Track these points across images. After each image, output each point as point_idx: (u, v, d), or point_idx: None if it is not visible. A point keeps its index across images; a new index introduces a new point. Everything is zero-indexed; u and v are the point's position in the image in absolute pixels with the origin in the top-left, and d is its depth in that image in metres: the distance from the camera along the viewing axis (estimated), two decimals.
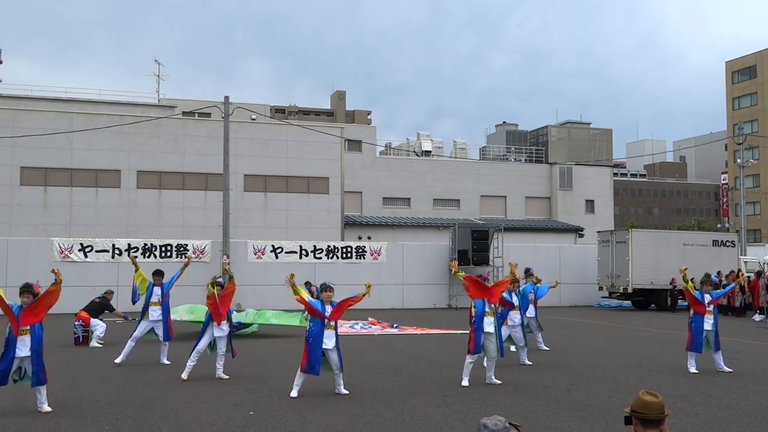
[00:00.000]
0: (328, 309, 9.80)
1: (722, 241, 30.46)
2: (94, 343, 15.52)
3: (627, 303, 30.25)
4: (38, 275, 24.88)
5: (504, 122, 79.46)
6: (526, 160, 55.25)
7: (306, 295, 9.92)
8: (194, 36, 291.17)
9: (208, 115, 38.88)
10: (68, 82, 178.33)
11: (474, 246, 29.16)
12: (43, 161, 33.15)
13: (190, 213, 34.73)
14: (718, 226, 70.55)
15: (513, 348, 13.61)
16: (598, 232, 32.17)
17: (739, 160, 36.29)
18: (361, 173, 43.71)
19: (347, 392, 9.80)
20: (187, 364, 11.11)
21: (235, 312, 17.15)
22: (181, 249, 26.51)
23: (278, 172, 36.29)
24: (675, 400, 9.36)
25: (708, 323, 12.15)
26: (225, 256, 26.28)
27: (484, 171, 47.54)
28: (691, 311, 12.27)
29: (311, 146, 36.31)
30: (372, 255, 28.64)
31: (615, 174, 70.37)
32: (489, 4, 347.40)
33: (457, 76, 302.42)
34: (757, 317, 24.81)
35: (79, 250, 25.43)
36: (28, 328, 8.65)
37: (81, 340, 15.73)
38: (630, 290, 28.20)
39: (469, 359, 10.63)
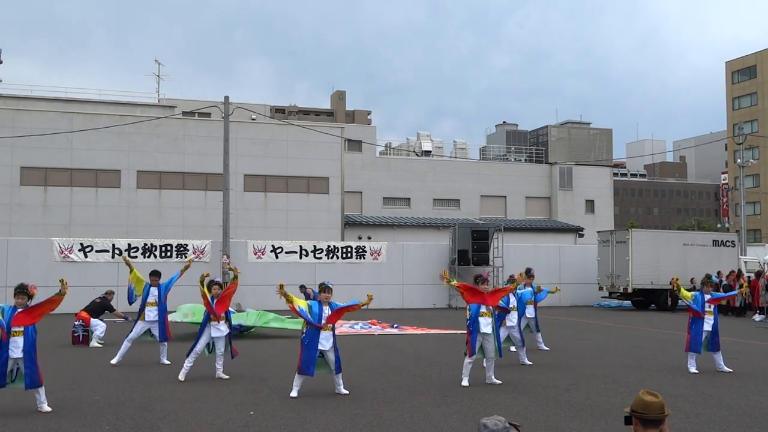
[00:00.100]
0: (326, 310, 9.78)
1: (722, 241, 30.47)
2: (94, 343, 15.52)
3: (627, 303, 30.25)
4: (38, 275, 25.03)
5: (504, 122, 79.45)
6: (526, 160, 55.25)
7: (299, 304, 9.83)
8: (194, 36, 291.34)
9: (208, 115, 38.88)
10: (68, 82, 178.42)
11: (474, 246, 29.17)
12: (43, 161, 33.15)
13: (190, 213, 34.74)
14: (718, 226, 70.56)
15: (513, 348, 13.61)
16: (598, 232, 32.17)
17: (739, 160, 36.28)
18: (361, 173, 43.71)
19: (347, 392, 9.80)
20: (185, 365, 11.10)
21: (235, 312, 17.16)
22: (181, 249, 26.52)
23: (278, 172, 36.30)
24: (675, 400, 9.36)
25: (708, 323, 12.16)
26: (225, 256, 26.29)
27: (484, 171, 47.54)
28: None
29: (311, 146, 36.31)
30: (372, 255, 28.65)
31: (615, 174, 70.38)
32: (489, 4, 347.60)
33: (457, 76, 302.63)
34: (757, 317, 24.82)
35: (79, 250, 25.43)
36: (22, 329, 8.58)
37: (81, 339, 15.74)
38: (630, 290, 28.20)
39: (467, 360, 10.65)
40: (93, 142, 33.40)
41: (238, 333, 16.56)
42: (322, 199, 36.87)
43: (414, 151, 49.73)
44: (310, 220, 36.31)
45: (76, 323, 15.85)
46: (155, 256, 25.99)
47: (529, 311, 14.61)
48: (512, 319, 13.16)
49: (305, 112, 77.58)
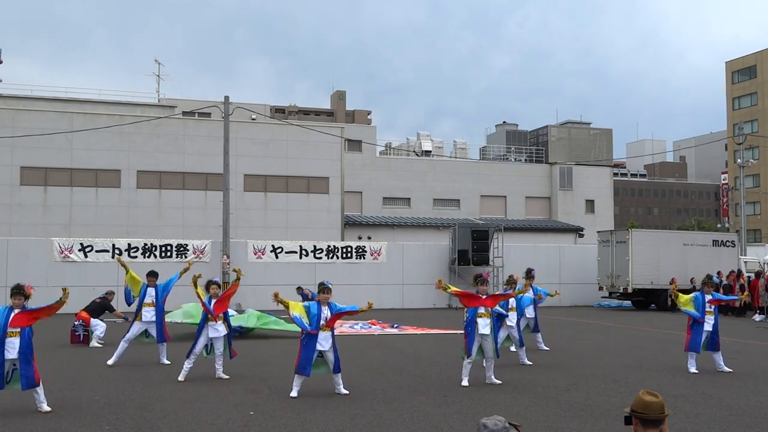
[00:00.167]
0: (325, 311, 9.77)
1: (722, 241, 30.47)
2: (94, 343, 15.52)
3: (627, 303, 30.26)
4: (38, 275, 25.05)
5: (504, 122, 79.38)
6: (526, 160, 55.23)
7: (294, 311, 9.79)
8: (194, 36, 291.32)
9: (208, 115, 38.88)
10: (68, 82, 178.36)
11: (474, 246, 29.17)
12: (43, 161, 33.15)
13: (190, 213, 34.73)
14: (718, 226, 70.55)
15: (513, 348, 13.61)
16: (598, 232, 32.17)
17: (739, 160, 36.29)
18: (361, 173, 43.71)
19: (347, 392, 9.80)
20: (184, 366, 11.11)
21: (236, 314, 17.16)
22: (181, 249, 26.52)
23: (278, 172, 36.29)
24: (675, 400, 9.36)
25: (708, 323, 12.17)
26: (225, 256, 26.28)
27: (484, 171, 47.54)
28: None
29: (311, 146, 36.31)
30: (372, 255, 28.65)
31: (615, 174, 70.34)
32: (489, 4, 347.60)
33: (457, 76, 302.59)
34: (757, 317, 24.82)
35: (79, 250, 25.43)
36: (18, 330, 8.57)
37: (81, 339, 15.75)
38: (630, 290, 28.21)
39: (466, 360, 10.66)
40: (93, 142, 33.40)
41: (238, 334, 16.57)
42: (322, 199, 36.87)
43: (414, 151, 49.72)
44: (310, 220, 36.31)
45: (77, 323, 15.85)
46: (155, 256, 26.00)
47: (529, 311, 14.60)
48: (512, 319, 13.17)
49: (305, 112, 77.59)
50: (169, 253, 26.25)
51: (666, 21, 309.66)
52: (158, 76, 47.13)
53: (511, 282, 13.59)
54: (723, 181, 71.43)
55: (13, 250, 24.89)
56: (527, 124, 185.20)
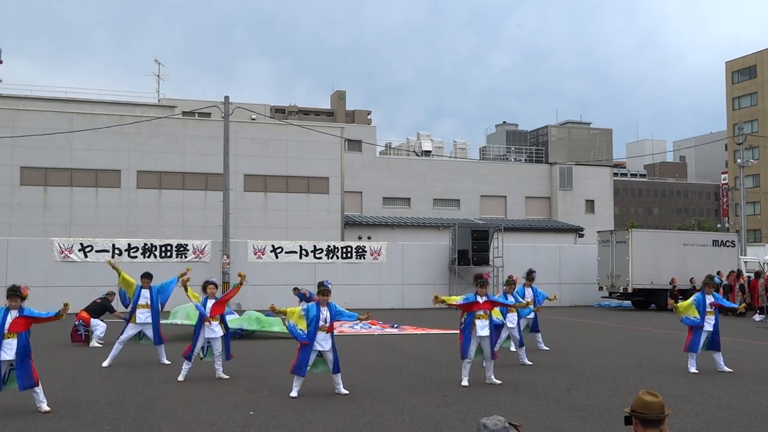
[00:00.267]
0: (324, 312, 9.77)
1: (722, 241, 30.47)
2: (94, 343, 15.52)
3: (627, 303, 30.26)
4: (38, 275, 25.06)
5: (504, 122, 79.36)
6: (526, 160, 55.23)
7: (291, 320, 9.78)
8: (194, 36, 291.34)
9: (208, 115, 38.88)
10: (68, 82, 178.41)
11: (474, 246, 29.17)
12: (43, 161, 33.15)
13: (190, 213, 34.74)
14: (718, 226, 70.54)
15: (513, 348, 13.61)
16: (598, 232, 32.17)
17: (739, 160, 36.29)
18: (361, 173, 43.71)
19: (347, 392, 9.80)
20: (183, 367, 11.12)
21: (236, 315, 17.16)
22: (181, 249, 26.52)
23: (278, 172, 36.30)
24: (675, 400, 9.36)
25: (708, 324, 12.16)
26: (225, 256, 26.29)
27: (484, 171, 47.55)
28: None
29: (311, 146, 36.31)
30: (372, 255, 28.65)
31: (615, 174, 70.33)
32: (489, 4, 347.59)
33: (457, 76, 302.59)
34: (757, 317, 24.82)
35: (79, 250, 25.43)
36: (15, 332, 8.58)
37: (83, 338, 15.76)
38: (630, 290, 28.21)
39: (465, 361, 10.67)
40: (93, 142, 33.40)
41: (239, 336, 16.58)
42: (322, 199, 36.87)
43: (414, 151, 49.72)
44: (310, 220, 36.31)
45: (77, 323, 15.86)
46: (155, 256, 26.00)
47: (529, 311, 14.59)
48: (512, 319, 13.16)
49: (305, 112, 77.56)
50: (169, 253, 26.25)
51: (666, 21, 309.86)
52: (158, 76, 47.17)
53: (510, 283, 13.59)
54: (723, 181, 71.41)
55: (13, 250, 24.89)
56: (527, 124, 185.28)
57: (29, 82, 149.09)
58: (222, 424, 8.01)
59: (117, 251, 25.64)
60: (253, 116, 38.38)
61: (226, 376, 11.13)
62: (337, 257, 28.21)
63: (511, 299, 13.19)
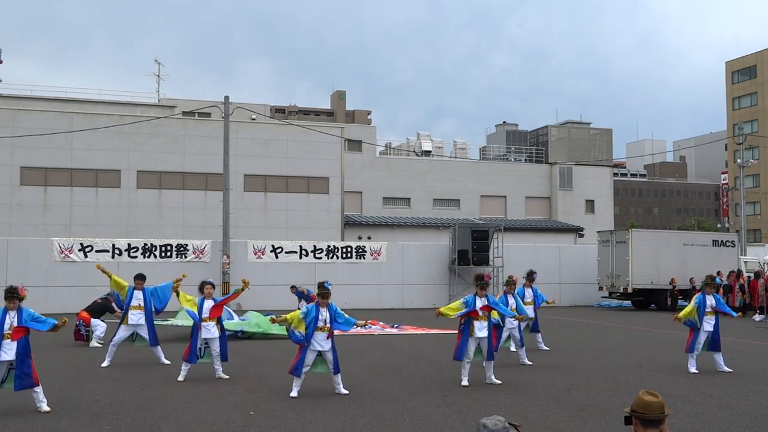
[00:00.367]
0: (323, 313, 9.78)
1: (722, 241, 30.46)
2: (94, 343, 15.53)
3: (627, 303, 30.26)
4: (38, 275, 25.03)
5: (504, 122, 79.34)
6: (526, 160, 55.23)
7: (293, 325, 9.80)
8: (194, 36, 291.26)
9: (208, 115, 38.88)
10: (68, 82, 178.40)
11: (474, 246, 29.16)
12: (43, 161, 33.15)
13: (190, 213, 34.74)
14: (718, 226, 70.53)
15: (513, 348, 13.61)
16: (598, 232, 32.17)
17: (739, 160, 36.29)
18: (361, 173, 43.71)
19: (347, 392, 9.80)
20: (182, 368, 11.14)
21: (237, 318, 17.15)
22: (181, 249, 26.52)
23: (278, 172, 36.30)
24: (675, 400, 9.36)
25: (708, 324, 12.16)
26: (225, 257, 26.29)
27: (484, 171, 47.56)
28: None
29: (311, 146, 36.32)
30: (372, 255, 28.64)
31: (615, 174, 70.32)
32: (489, 4, 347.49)
33: (457, 76, 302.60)
34: (757, 317, 24.82)
35: (79, 250, 25.42)
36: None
37: (85, 338, 15.78)
38: (630, 290, 28.21)
39: (465, 360, 10.68)
40: (93, 142, 33.40)
41: (239, 336, 16.60)
42: (322, 199, 36.87)
43: (414, 151, 49.72)
44: (310, 220, 36.31)
45: (77, 323, 15.87)
46: (155, 256, 26.00)
47: (529, 311, 14.59)
48: (512, 320, 13.15)
49: (305, 112, 77.55)
50: (169, 254, 26.25)
51: (666, 21, 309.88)
52: (158, 76, 47.19)
53: (510, 283, 13.60)
54: (723, 181, 71.40)
55: (13, 250, 24.88)
56: (527, 124, 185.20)
57: (29, 82, 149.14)
58: (222, 424, 8.02)
59: (117, 251, 25.64)
60: (253, 116, 38.38)
61: (226, 376, 11.13)
62: (337, 257, 28.21)
63: (511, 300, 13.20)
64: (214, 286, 11.57)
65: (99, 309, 16.23)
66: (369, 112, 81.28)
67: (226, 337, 11.53)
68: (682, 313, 12.25)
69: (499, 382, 10.76)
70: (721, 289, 22.11)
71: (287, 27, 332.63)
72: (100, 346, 15.30)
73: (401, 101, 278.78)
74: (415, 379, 11.16)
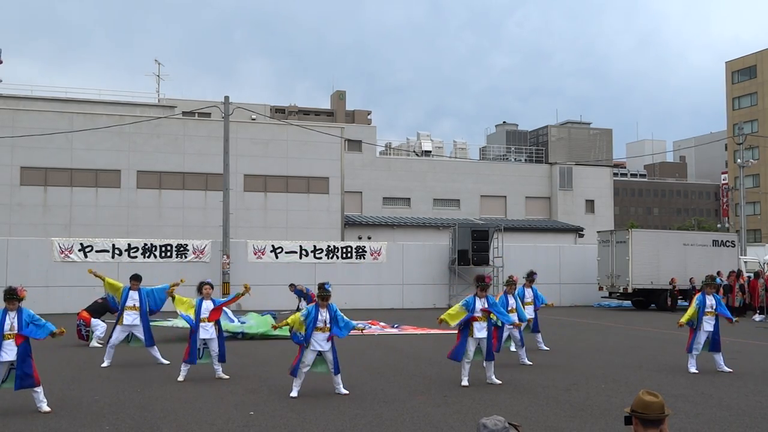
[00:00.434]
0: (323, 313, 9.78)
1: (722, 241, 30.46)
2: (94, 343, 15.52)
3: (627, 303, 30.25)
4: (38, 275, 25.02)
5: (504, 122, 79.35)
6: (526, 160, 55.23)
7: (294, 327, 9.83)
8: (194, 36, 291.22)
9: (208, 115, 38.88)
10: (68, 82, 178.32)
11: (474, 246, 29.16)
12: (43, 161, 33.15)
13: (190, 213, 34.74)
14: (718, 226, 70.52)
15: (513, 348, 13.61)
16: (598, 232, 32.17)
17: (739, 160, 36.28)
18: (361, 173, 43.71)
19: (347, 392, 9.81)
20: (182, 368, 11.14)
21: (237, 321, 17.15)
22: (181, 249, 26.52)
23: (278, 172, 36.30)
24: (675, 400, 9.36)
25: (708, 324, 12.16)
26: (225, 257, 26.28)
27: (484, 171, 47.55)
28: None
29: (311, 146, 36.32)
30: (372, 255, 28.64)
31: (615, 174, 70.32)
32: (489, 4, 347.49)
33: (457, 76, 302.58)
34: (757, 317, 24.82)
35: (79, 250, 25.42)
36: (15, 332, 8.57)
37: (86, 338, 15.78)
38: (630, 290, 28.20)
39: (465, 360, 10.69)
40: (93, 142, 33.41)
41: (240, 338, 16.62)
42: (322, 199, 36.87)
43: (414, 151, 49.71)
44: (310, 220, 36.31)
45: (78, 323, 15.88)
46: (155, 256, 26.00)
47: (529, 312, 14.61)
48: (511, 326, 13.15)
49: (305, 112, 77.56)
50: (169, 254, 26.25)
51: (666, 21, 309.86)
52: (158, 76, 47.18)
53: (510, 283, 13.62)
54: (723, 181, 71.38)
55: (13, 250, 24.87)
56: (527, 124, 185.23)
57: (29, 82, 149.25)
58: (222, 424, 8.01)
59: (117, 251, 25.64)
60: (253, 116, 38.38)
61: (226, 376, 11.13)
62: (337, 257, 28.21)
63: (511, 300, 13.26)
64: (212, 287, 11.56)
65: (99, 309, 16.21)
66: (369, 112, 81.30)
67: (223, 338, 11.52)
68: (684, 318, 12.22)
69: (500, 382, 10.76)
70: (721, 289, 22.09)
71: (287, 27, 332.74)
72: (100, 346, 15.29)
73: (401, 101, 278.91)
74: (415, 379, 11.16)
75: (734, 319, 12.56)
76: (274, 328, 10.19)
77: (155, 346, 12.78)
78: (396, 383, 10.80)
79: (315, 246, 28.18)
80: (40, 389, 8.69)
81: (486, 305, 10.80)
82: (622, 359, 13.70)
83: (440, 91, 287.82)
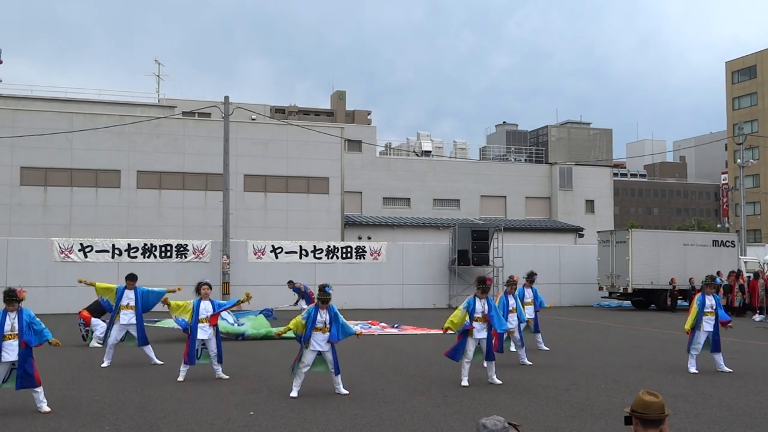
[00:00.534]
0: (323, 314, 9.79)
1: (722, 241, 30.45)
2: (93, 343, 15.52)
3: (627, 303, 30.24)
4: (38, 275, 25.01)
5: (504, 122, 79.37)
6: (526, 160, 55.24)
7: (295, 329, 9.85)
8: (194, 36, 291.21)
9: (208, 115, 38.87)
10: (68, 83, 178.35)
11: (474, 246, 29.15)
12: (43, 161, 33.15)
13: (190, 213, 34.73)
14: (718, 226, 70.51)
15: (513, 348, 13.62)
16: (598, 232, 32.16)
17: (739, 160, 36.28)
18: (361, 173, 43.70)
19: (347, 392, 9.81)
20: (181, 369, 11.15)
21: (236, 324, 17.15)
22: (181, 249, 26.51)
23: (278, 172, 36.30)
24: (675, 400, 9.36)
25: (708, 324, 12.16)
26: (225, 257, 26.28)
27: (484, 171, 47.54)
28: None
29: (311, 146, 36.31)
30: (372, 255, 28.63)
31: (615, 174, 70.31)
32: (489, 3, 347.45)
33: (457, 76, 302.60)
34: (757, 317, 24.82)
35: (79, 250, 25.42)
36: (16, 332, 8.58)
37: (83, 337, 15.79)
38: (630, 290, 28.20)
39: (464, 360, 10.70)
40: (93, 142, 33.40)
41: (240, 339, 16.62)
42: (322, 199, 36.87)
43: (414, 151, 49.71)
44: (310, 220, 36.30)
45: (79, 322, 15.90)
46: (155, 257, 25.99)
47: (529, 312, 14.63)
48: (512, 320, 13.20)
49: (305, 112, 77.53)
50: (169, 254, 26.23)
51: (666, 21, 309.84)
52: (158, 76, 47.17)
53: (511, 283, 13.64)
54: (723, 181, 71.38)
55: (13, 250, 24.86)
56: (527, 124, 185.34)
57: (29, 82, 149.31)
58: (222, 424, 8.02)
59: (117, 251, 25.64)
60: (253, 116, 38.37)
61: (226, 376, 11.13)
62: (337, 257, 28.20)
63: (512, 300, 13.32)
64: (210, 287, 11.56)
65: (100, 308, 16.17)
66: (369, 112, 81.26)
67: (220, 339, 11.52)
68: (688, 324, 12.18)
69: (500, 382, 10.76)
70: (721, 290, 22.08)
71: (287, 27, 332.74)
72: (100, 346, 15.29)
73: (401, 101, 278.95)
74: (415, 379, 11.16)
75: (728, 324, 12.41)
76: (278, 335, 10.22)
77: (149, 346, 12.79)
78: (396, 383, 10.80)
79: (315, 246, 28.17)
80: (40, 389, 8.69)
81: (486, 307, 10.80)
82: (622, 359, 13.70)
83: (440, 91, 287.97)
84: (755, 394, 10.11)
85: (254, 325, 17.44)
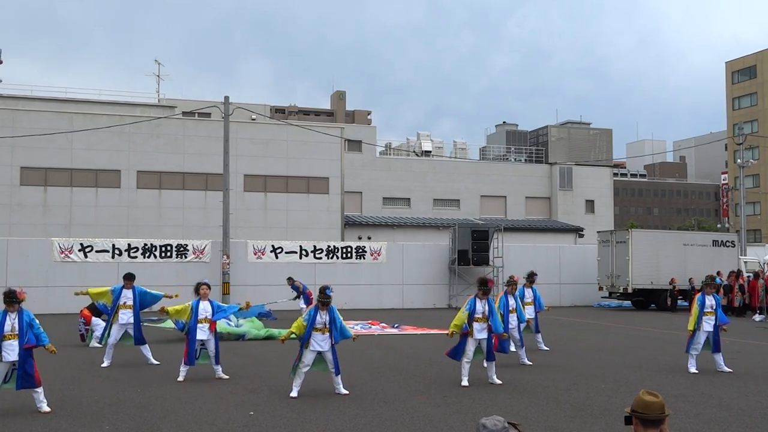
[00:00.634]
0: (323, 316, 9.80)
1: (722, 241, 30.45)
2: (93, 343, 15.51)
3: (627, 303, 30.24)
4: (38, 275, 25.00)
5: (504, 122, 79.36)
6: (526, 160, 55.24)
7: (296, 332, 9.87)
8: (194, 36, 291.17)
9: (208, 115, 38.87)
10: (68, 83, 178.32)
11: (474, 246, 29.15)
12: (43, 161, 33.14)
13: (190, 213, 34.73)
14: (718, 226, 70.51)
15: (513, 348, 13.62)
16: (598, 232, 32.16)
17: (739, 160, 36.27)
18: (361, 173, 43.71)
19: (347, 392, 9.81)
20: (181, 369, 11.15)
21: (235, 326, 17.16)
22: (181, 249, 26.51)
23: (278, 172, 36.29)
24: (675, 400, 9.36)
25: (708, 324, 12.16)
26: (225, 257, 26.28)
27: (483, 171, 47.54)
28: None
29: (311, 146, 36.31)
30: (372, 255, 28.63)
31: (615, 174, 70.32)
32: (489, 4, 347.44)
33: (457, 76, 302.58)
34: (757, 317, 24.82)
35: (79, 250, 25.41)
36: (16, 333, 8.58)
37: (82, 337, 15.79)
38: (630, 290, 28.20)
39: (464, 360, 10.71)
40: (93, 142, 33.40)
41: (241, 339, 16.63)
42: (322, 199, 36.86)
43: (414, 151, 49.71)
44: (310, 220, 36.30)
45: (79, 321, 15.91)
46: (155, 257, 25.98)
47: (529, 312, 14.63)
48: (512, 320, 13.22)
49: (305, 112, 77.55)
50: (169, 254, 26.23)
51: (666, 21, 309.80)
52: (158, 76, 47.18)
53: (511, 283, 13.65)
54: (723, 181, 71.37)
55: (13, 250, 24.85)
56: (527, 124, 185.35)
57: (29, 82, 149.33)
58: (222, 424, 8.02)
59: (117, 251, 25.63)
60: (253, 116, 38.37)
61: (226, 376, 11.13)
62: (337, 257, 28.19)
63: (512, 300, 13.35)
64: (209, 287, 11.56)
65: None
66: (369, 112, 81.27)
67: (218, 339, 11.52)
68: (691, 325, 12.17)
69: (500, 382, 10.77)
70: (721, 290, 22.08)
71: (287, 27, 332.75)
72: (100, 346, 15.27)
73: (401, 101, 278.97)
74: (415, 379, 11.16)
75: (723, 327, 12.31)
76: (282, 341, 10.26)
77: (146, 345, 12.80)
78: (396, 383, 10.80)
79: (315, 246, 28.17)
80: (40, 389, 8.70)
81: (485, 308, 10.81)
82: (622, 359, 13.70)
83: (440, 91, 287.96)
84: (755, 394, 10.11)
85: (254, 326, 17.45)
